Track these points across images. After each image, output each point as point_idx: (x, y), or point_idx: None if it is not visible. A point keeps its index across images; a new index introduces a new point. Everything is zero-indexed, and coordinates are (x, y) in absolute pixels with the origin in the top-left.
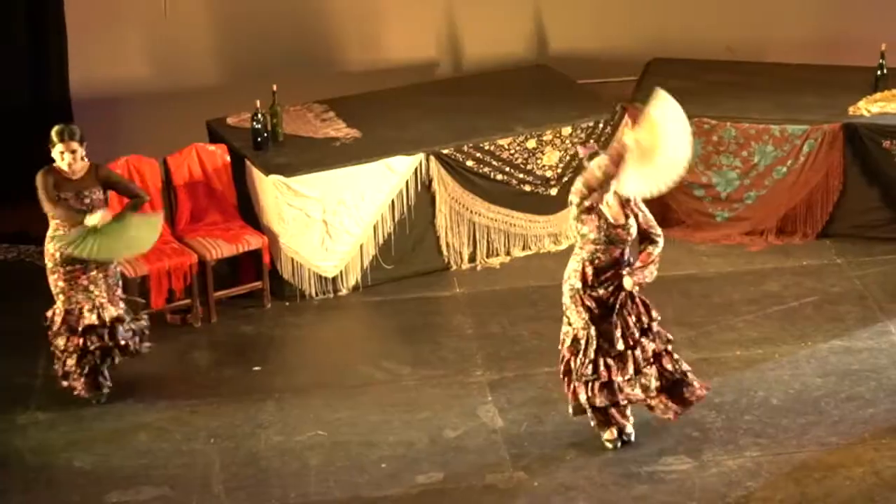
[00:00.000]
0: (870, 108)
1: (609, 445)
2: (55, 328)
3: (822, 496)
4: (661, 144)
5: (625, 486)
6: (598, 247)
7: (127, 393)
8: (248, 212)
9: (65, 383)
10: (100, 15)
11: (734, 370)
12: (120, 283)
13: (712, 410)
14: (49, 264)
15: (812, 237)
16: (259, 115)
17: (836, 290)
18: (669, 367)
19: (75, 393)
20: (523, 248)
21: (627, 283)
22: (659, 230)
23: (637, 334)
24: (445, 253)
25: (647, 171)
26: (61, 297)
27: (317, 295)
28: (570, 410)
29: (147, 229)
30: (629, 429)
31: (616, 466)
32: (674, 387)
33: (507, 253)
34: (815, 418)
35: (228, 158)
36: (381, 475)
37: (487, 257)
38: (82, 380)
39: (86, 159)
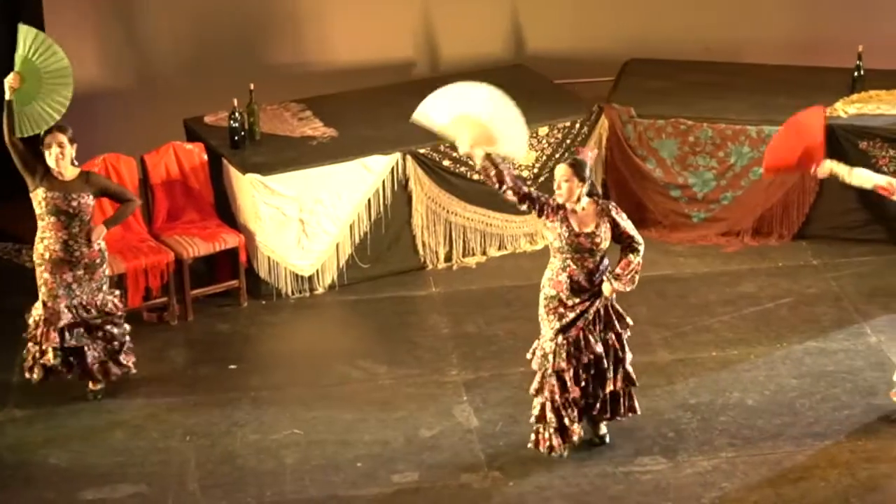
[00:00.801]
0: (847, 109)
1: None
2: (35, 319)
3: (798, 497)
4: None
5: (600, 487)
6: (565, 255)
7: (103, 391)
8: (225, 210)
9: (29, 375)
10: (78, 13)
11: (710, 371)
12: (104, 287)
13: (688, 411)
14: (37, 261)
15: (788, 238)
16: (236, 114)
17: (811, 291)
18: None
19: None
20: (499, 248)
21: (606, 288)
22: (640, 239)
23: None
24: (421, 252)
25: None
26: (43, 289)
27: (293, 294)
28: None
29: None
30: (602, 430)
31: (591, 467)
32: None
33: (484, 253)
34: (791, 419)
35: (205, 157)
36: (357, 474)
37: (464, 257)
38: (40, 371)
39: (76, 163)
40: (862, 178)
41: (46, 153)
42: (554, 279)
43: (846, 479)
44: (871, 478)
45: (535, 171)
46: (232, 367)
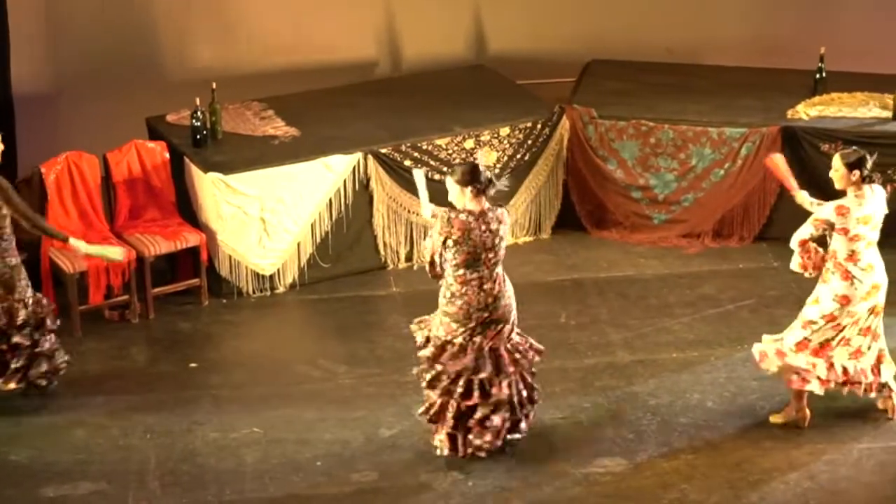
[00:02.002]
0: (808, 111)
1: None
2: None
3: (757, 499)
4: None
5: (559, 488)
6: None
7: (64, 388)
8: (187, 209)
9: None
10: (42, 12)
11: (670, 372)
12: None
13: (648, 412)
14: None
15: (749, 240)
16: (198, 113)
17: (772, 293)
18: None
19: None
20: None
21: None
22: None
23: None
24: (382, 252)
25: None
26: None
27: (254, 292)
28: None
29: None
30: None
31: (551, 467)
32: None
33: None
34: (751, 421)
35: (168, 155)
36: (317, 473)
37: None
38: None
39: None
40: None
41: None
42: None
43: (806, 481)
44: (831, 480)
45: (497, 171)
46: (193, 365)
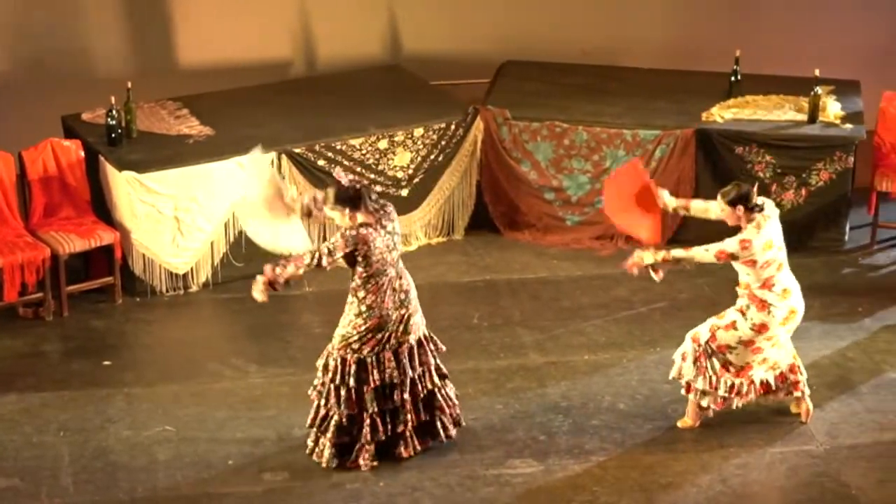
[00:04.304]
0: (723, 114)
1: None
2: None
3: (669, 503)
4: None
5: (470, 489)
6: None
7: None
8: (102, 207)
9: None
10: None
11: (582, 374)
12: None
13: (559, 414)
14: None
15: (662, 243)
16: (113, 112)
17: (684, 296)
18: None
19: None
20: None
21: None
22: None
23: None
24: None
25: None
26: None
27: (167, 291)
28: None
29: None
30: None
31: (462, 468)
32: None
33: None
34: (663, 424)
35: (83, 154)
36: (228, 471)
37: None
38: None
39: None
40: (698, 208)
41: None
42: None
43: (718, 485)
44: (742, 484)
45: (410, 172)
46: (106, 363)
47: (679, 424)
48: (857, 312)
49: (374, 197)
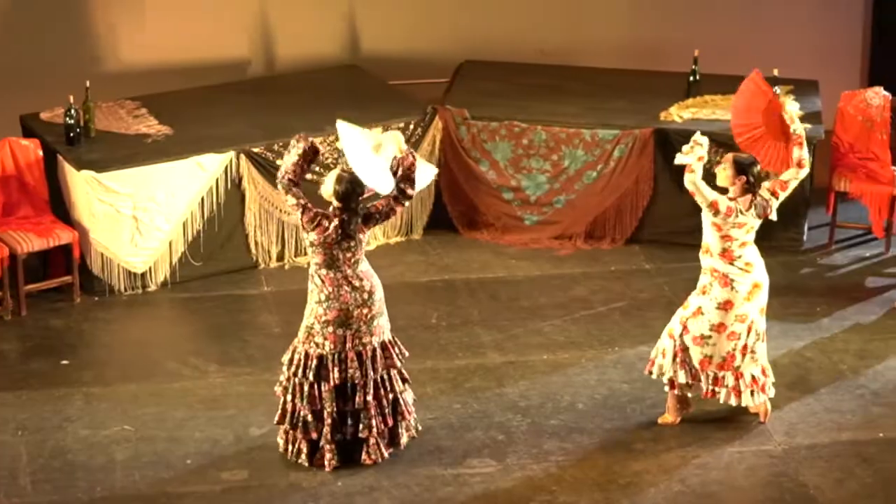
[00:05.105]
0: (681, 114)
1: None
2: None
3: (628, 503)
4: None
5: (429, 488)
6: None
7: None
8: (60, 206)
9: None
10: None
11: (541, 374)
12: None
13: (518, 414)
14: None
15: (621, 242)
16: (72, 111)
17: (643, 295)
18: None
19: None
20: None
21: None
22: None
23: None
24: (254, 251)
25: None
26: None
27: (126, 290)
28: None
29: None
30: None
31: (420, 467)
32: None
33: None
34: (622, 424)
35: (41, 153)
36: (187, 471)
37: (296, 256)
38: None
39: None
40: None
41: None
42: None
43: (677, 485)
44: (701, 484)
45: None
46: (64, 362)
47: (659, 421)
48: (815, 312)
49: (353, 205)
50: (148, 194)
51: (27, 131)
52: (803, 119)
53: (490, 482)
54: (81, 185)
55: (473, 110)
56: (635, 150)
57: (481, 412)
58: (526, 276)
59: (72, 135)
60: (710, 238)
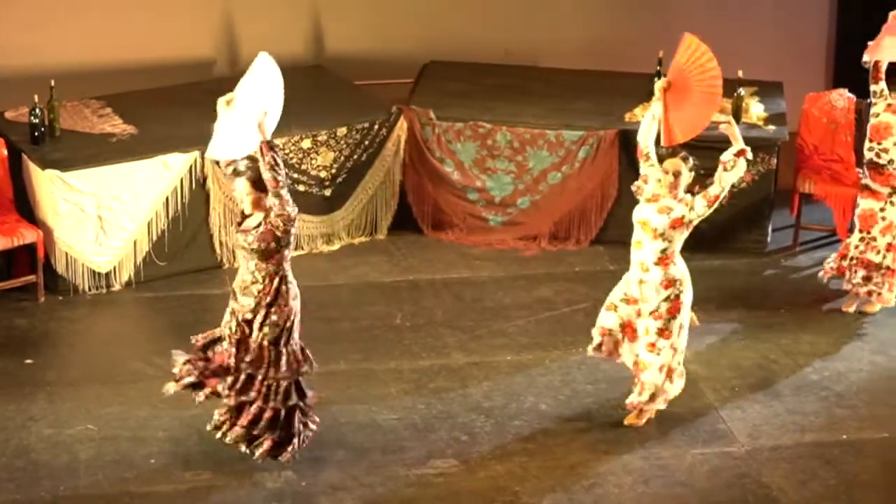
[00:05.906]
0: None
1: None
2: None
3: (591, 503)
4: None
5: (392, 489)
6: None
7: None
8: (24, 205)
9: None
10: None
11: (504, 375)
12: None
13: (482, 415)
14: None
15: (586, 243)
16: (37, 110)
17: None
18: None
19: None
20: (296, 248)
21: None
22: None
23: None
24: (219, 251)
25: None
26: None
27: (90, 290)
28: None
29: None
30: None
31: (384, 468)
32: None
33: None
34: (585, 425)
35: (5, 152)
36: (150, 470)
37: None
38: None
39: None
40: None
41: None
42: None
43: (640, 486)
44: (664, 485)
45: (333, 171)
46: (28, 361)
47: (625, 422)
48: (779, 314)
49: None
50: (112, 194)
51: None
52: (768, 121)
53: (453, 482)
54: (46, 184)
55: (438, 111)
56: (600, 151)
57: (445, 413)
58: (490, 277)
59: (36, 134)
60: (678, 237)
